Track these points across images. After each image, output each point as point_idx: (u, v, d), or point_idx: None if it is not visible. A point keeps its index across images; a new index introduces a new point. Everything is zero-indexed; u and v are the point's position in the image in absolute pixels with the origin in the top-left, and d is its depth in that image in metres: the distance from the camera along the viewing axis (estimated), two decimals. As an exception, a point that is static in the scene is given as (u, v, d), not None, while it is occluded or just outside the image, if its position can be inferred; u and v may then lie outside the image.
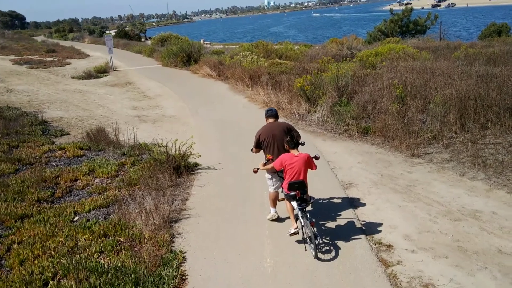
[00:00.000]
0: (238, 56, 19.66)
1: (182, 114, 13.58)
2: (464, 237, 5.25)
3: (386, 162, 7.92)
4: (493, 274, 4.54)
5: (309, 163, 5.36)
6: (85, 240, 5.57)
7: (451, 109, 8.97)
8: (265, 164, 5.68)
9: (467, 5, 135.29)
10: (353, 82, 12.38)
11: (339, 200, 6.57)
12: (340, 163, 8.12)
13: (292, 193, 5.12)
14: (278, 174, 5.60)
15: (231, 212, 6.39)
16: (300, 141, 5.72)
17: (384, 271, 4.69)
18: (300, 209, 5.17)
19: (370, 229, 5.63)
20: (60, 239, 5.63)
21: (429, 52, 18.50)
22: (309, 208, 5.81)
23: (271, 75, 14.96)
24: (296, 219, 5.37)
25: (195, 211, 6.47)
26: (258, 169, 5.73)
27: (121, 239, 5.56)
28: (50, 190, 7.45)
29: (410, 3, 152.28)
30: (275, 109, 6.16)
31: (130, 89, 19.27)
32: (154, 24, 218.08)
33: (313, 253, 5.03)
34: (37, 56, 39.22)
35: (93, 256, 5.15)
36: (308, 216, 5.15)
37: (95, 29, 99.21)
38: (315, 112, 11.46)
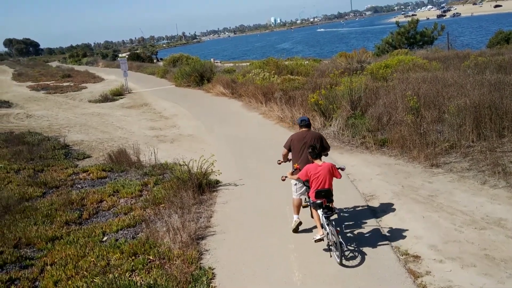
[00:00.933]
0: (250, 74, 19.97)
1: (199, 133, 13.82)
2: (490, 245, 5.28)
3: (406, 173, 7.99)
4: (522, 281, 4.57)
5: (333, 172, 5.52)
6: (116, 260, 5.73)
7: (467, 118, 9.02)
8: (292, 173, 5.93)
9: (472, 14, 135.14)
10: (366, 95, 12.50)
11: (362, 211, 6.65)
12: (359, 176, 8.21)
13: (319, 201, 5.33)
14: (304, 183, 5.73)
15: (255, 227, 6.51)
16: (325, 153, 6.04)
17: (414, 281, 4.75)
18: (325, 217, 5.35)
19: (396, 239, 5.69)
20: (92, 259, 5.80)
21: (438, 62, 18.59)
22: (334, 216, 5.94)
23: (284, 91, 15.18)
24: (322, 227, 5.53)
25: (220, 228, 6.61)
26: (286, 177, 5.97)
27: (151, 257, 5.71)
28: (78, 212, 7.67)
29: (415, 15, 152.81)
30: (308, 119, 6.36)
31: (146, 110, 19.66)
32: (164, 45, 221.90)
33: (338, 260, 5.17)
34: (53, 81, 40.22)
35: (125, 275, 5.30)
36: (334, 223, 5.33)
37: (107, 53, 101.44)
38: (330, 125, 11.59)
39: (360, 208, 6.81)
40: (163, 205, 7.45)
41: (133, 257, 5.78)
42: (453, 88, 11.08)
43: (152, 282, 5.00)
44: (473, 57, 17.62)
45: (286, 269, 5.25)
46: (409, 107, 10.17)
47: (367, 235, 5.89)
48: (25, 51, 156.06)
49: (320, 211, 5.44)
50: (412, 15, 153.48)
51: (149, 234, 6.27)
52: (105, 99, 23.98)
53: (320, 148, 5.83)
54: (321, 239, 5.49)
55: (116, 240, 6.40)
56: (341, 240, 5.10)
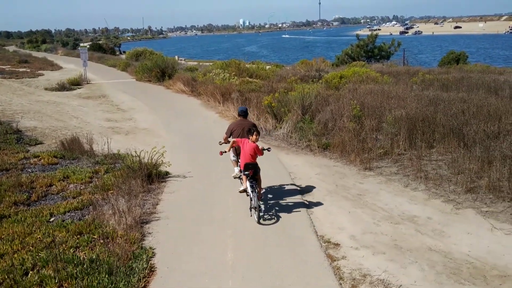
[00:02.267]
0: (211, 74, 20.45)
1: (155, 127, 14.12)
2: (401, 238, 6.05)
3: (341, 174, 8.74)
4: (422, 267, 5.32)
5: (257, 150, 6.96)
6: (62, 237, 6.04)
7: (402, 129, 9.94)
8: (230, 148, 7.49)
9: (433, 33, 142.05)
10: (317, 101, 13.30)
11: (296, 205, 7.28)
12: (300, 174, 8.88)
13: (246, 172, 6.82)
14: (239, 156, 7.37)
15: (198, 215, 7.00)
16: (266, 148, 7.46)
17: (330, 264, 5.41)
18: (250, 186, 6.76)
19: (322, 230, 6.36)
20: (38, 236, 6.07)
21: (390, 76, 19.82)
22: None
23: (241, 92, 15.76)
24: (245, 190, 7.04)
25: (164, 214, 7.05)
26: (225, 151, 7.47)
27: (95, 237, 6.06)
28: (26, 194, 7.84)
29: (380, 29, 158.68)
30: (246, 109, 8.29)
31: (104, 102, 19.65)
32: (129, 38, 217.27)
33: (256, 220, 6.62)
34: (9, 66, 38.87)
35: (70, 250, 5.63)
36: (256, 190, 6.74)
37: (68, 41, 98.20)
38: (281, 128, 12.26)
39: (295, 202, 7.45)
40: (111, 191, 7.78)
41: (78, 236, 6.11)
42: (394, 100, 12.06)
43: (94, 257, 5.37)
44: (421, 74, 18.97)
45: (221, 251, 5.78)
46: (353, 115, 11.00)
47: (297, 226, 6.52)
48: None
49: (247, 181, 6.85)
50: (377, 29, 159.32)
51: (95, 216, 6.61)
52: (62, 87, 23.63)
53: (258, 132, 7.19)
54: (244, 190, 7.11)
55: (63, 221, 6.69)
56: (260, 204, 6.72)
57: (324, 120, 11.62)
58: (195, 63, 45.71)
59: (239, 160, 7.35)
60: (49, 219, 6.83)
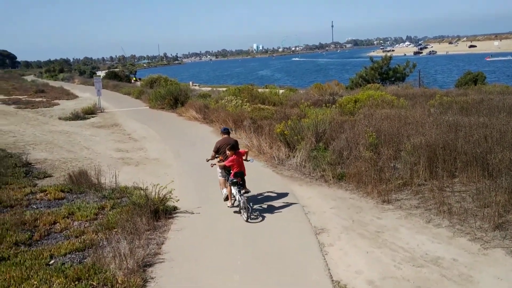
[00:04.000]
0: (223, 101, 20.28)
1: (165, 157, 13.86)
2: (425, 284, 5.50)
3: (358, 208, 8.24)
4: (450, 319, 4.77)
5: (243, 158, 8.35)
6: (59, 284, 5.67)
7: (421, 157, 9.42)
8: (219, 162, 8.59)
9: (447, 53, 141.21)
10: (332, 128, 12.90)
11: (310, 244, 6.80)
12: (314, 208, 8.41)
13: (235, 179, 8.06)
14: (225, 170, 8.51)
15: (205, 257, 6.56)
16: (248, 159, 8.63)
17: (347, 316, 4.89)
18: (238, 191, 8.03)
19: (338, 274, 5.85)
20: (35, 283, 5.72)
21: (406, 99, 19.33)
22: (243, 191, 8.27)
23: (253, 119, 15.47)
24: (235, 199, 8.38)
25: (169, 255, 6.63)
26: (214, 164, 8.69)
27: (94, 283, 5.67)
28: (29, 233, 7.55)
29: (393, 50, 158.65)
30: (228, 128, 9.56)
31: (116, 130, 19.59)
32: (145, 65, 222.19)
33: (245, 219, 7.82)
34: (26, 96, 39.57)
35: (66, 301, 5.25)
36: (243, 194, 7.96)
37: (85, 70, 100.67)
38: (294, 157, 11.84)
39: (309, 241, 6.96)
40: (116, 230, 7.42)
41: (76, 282, 5.73)
42: (412, 126, 11.56)
43: (91, 309, 4.98)
44: (439, 97, 18.41)
45: (228, 300, 5.32)
46: (369, 143, 10.54)
47: (312, 269, 6.03)
48: (1, 63, 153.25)
49: (235, 187, 8.14)
50: (391, 50, 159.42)
51: (95, 260, 6.23)
52: (75, 117, 23.76)
53: (238, 146, 8.51)
54: (232, 205, 8.46)
55: (63, 263, 6.34)
56: (249, 205, 7.83)
57: (338, 149, 11.18)
58: (209, 88, 45.96)
59: (226, 172, 8.57)
60: (49, 261, 6.49)
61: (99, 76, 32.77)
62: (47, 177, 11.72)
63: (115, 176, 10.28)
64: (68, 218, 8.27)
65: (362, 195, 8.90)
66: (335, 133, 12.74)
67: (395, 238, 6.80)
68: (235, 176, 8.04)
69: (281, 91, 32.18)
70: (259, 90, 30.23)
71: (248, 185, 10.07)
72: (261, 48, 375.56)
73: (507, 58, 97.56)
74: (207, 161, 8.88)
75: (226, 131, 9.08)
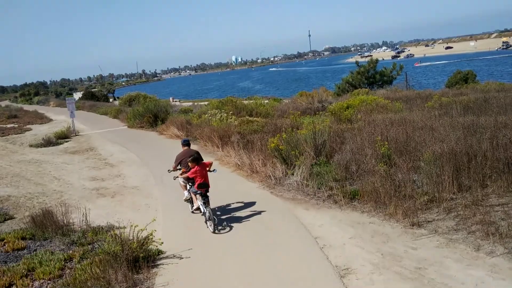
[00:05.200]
0: (206, 115, 18.72)
1: (146, 184, 12.21)
2: None
3: (384, 236, 6.76)
4: None
5: (206, 169, 8.42)
6: None
7: (445, 167, 8.04)
8: (181, 174, 8.75)
9: (424, 55, 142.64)
10: (331, 138, 11.49)
11: (337, 295, 5.29)
12: (329, 240, 6.90)
13: (199, 191, 8.07)
14: (189, 181, 8.66)
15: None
16: (212, 170, 8.65)
17: None
18: (203, 202, 7.99)
19: None
20: None
21: (401, 102, 18.15)
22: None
23: (242, 134, 13.96)
24: (198, 207, 8.50)
25: (155, 325, 5.03)
26: (177, 177, 8.88)
27: None
28: (-29, 303, 5.85)
29: (371, 55, 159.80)
30: (188, 140, 9.85)
31: (91, 156, 17.81)
32: (123, 83, 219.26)
33: (212, 230, 7.76)
34: (-4, 123, 37.33)
35: None
36: (208, 204, 7.92)
37: (62, 91, 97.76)
38: (293, 174, 10.35)
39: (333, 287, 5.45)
40: (84, 291, 5.78)
41: None
42: (424, 131, 10.23)
43: None
44: (437, 97, 17.24)
45: None
46: (380, 153, 9.14)
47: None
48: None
49: (199, 198, 8.15)
50: (368, 55, 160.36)
51: None
52: (47, 143, 21.83)
53: (200, 157, 8.52)
54: (198, 208, 8.55)
55: None
56: (214, 216, 7.85)
57: (344, 162, 9.73)
58: (190, 103, 44.42)
59: (189, 184, 8.69)
60: None
61: (72, 97, 30.87)
62: (8, 219, 9.96)
63: (85, 214, 8.59)
64: (27, 277, 6.58)
65: (383, 218, 7.43)
66: (336, 144, 11.34)
67: (445, 277, 5.32)
68: (199, 187, 8.05)
69: (265, 101, 30.80)
70: (244, 101, 28.82)
71: (244, 212, 8.62)
72: (240, 60, 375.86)
73: (433, 63, 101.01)
74: (169, 172, 9.13)
75: (186, 143, 9.39)
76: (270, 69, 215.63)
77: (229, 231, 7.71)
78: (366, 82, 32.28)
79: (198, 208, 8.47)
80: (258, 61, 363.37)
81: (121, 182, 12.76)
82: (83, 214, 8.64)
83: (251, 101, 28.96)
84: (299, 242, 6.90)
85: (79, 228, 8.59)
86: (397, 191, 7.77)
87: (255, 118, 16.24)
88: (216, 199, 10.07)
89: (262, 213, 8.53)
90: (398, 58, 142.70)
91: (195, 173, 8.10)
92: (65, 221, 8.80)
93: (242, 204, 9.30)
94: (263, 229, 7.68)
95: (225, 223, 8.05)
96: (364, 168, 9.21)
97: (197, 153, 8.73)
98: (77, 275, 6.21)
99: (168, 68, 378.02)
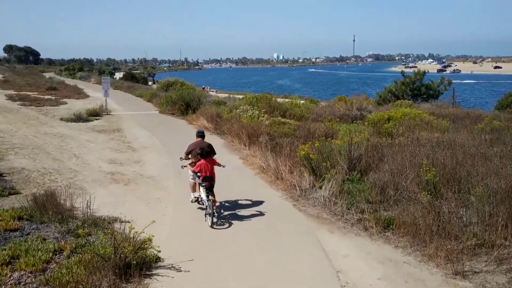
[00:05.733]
0: (237, 110, 17.88)
1: (163, 174, 11.49)
2: None
3: (420, 283, 5.65)
4: None
5: (213, 163, 8.29)
6: None
7: (500, 206, 6.82)
8: (190, 164, 8.59)
9: (471, 72, 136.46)
10: (368, 153, 10.38)
11: None
12: (353, 277, 5.86)
13: (204, 184, 7.93)
14: (195, 174, 8.27)
15: None
16: (221, 164, 8.55)
17: None
18: (206, 195, 7.81)
19: None
20: None
21: (447, 120, 16.68)
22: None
23: (271, 135, 13.01)
24: (197, 199, 8.73)
25: None
26: (185, 166, 8.81)
27: None
28: None
29: (416, 67, 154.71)
30: (202, 131, 9.48)
31: (116, 137, 17.35)
32: (165, 69, 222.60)
33: (210, 224, 7.62)
34: (36, 93, 37.90)
35: None
36: (211, 200, 7.67)
37: (105, 70, 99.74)
38: (321, 188, 9.32)
39: None
40: (62, 298, 5.03)
41: None
42: (476, 159, 8.96)
43: None
44: (488, 120, 15.68)
45: None
46: (424, 180, 7.98)
47: None
48: (24, 59, 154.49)
49: (203, 191, 7.98)
50: (413, 66, 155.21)
51: None
52: (78, 118, 21.65)
53: (207, 151, 8.37)
54: (196, 199, 8.69)
55: None
56: (213, 211, 7.67)
57: (380, 183, 8.62)
58: (226, 95, 43.80)
59: (197, 175, 8.19)
60: None
61: (108, 76, 30.93)
62: (13, 194, 9.44)
63: (89, 202, 7.91)
64: (7, 266, 5.91)
65: (421, 259, 6.31)
66: (373, 160, 10.22)
67: None
68: (204, 180, 8.02)
69: (301, 101, 29.68)
70: (278, 99, 27.81)
71: (260, 222, 7.73)
72: (281, 57, 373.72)
73: (479, 82, 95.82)
74: (181, 159, 9.03)
75: (200, 134, 9.21)
76: (309, 69, 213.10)
77: (228, 227, 7.69)
78: (410, 94, 30.56)
79: (197, 200, 8.63)
80: (299, 60, 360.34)
81: (139, 169, 12.11)
82: (87, 202, 7.96)
83: (286, 100, 27.97)
84: (317, 275, 5.90)
85: (82, 215, 7.92)
86: (441, 227, 6.62)
87: (287, 120, 15.24)
88: (233, 199, 9.24)
89: (280, 229, 7.58)
90: (444, 73, 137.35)
91: (199, 166, 8.06)
92: (68, 206, 8.16)
93: (260, 213, 8.39)
94: (277, 250, 6.72)
95: (234, 228, 7.68)
96: (404, 194, 8.08)
97: (209, 146, 8.71)
98: (59, 275, 5.47)
99: (210, 59, 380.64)
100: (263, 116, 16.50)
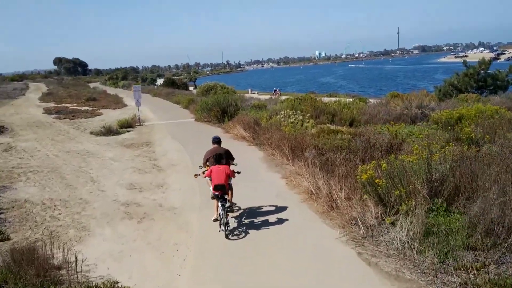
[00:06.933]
0: (278, 116, 15.47)
1: (187, 204, 9.31)
2: None
3: None
4: None
5: (228, 172, 7.78)
6: None
7: None
8: (203, 173, 8.20)
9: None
10: (453, 171, 7.65)
11: None
12: None
13: (216, 193, 7.55)
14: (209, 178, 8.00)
15: None
16: (237, 171, 8.22)
17: None
18: (221, 205, 7.37)
19: None
20: None
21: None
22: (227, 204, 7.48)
23: (319, 149, 10.49)
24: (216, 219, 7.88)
25: None
26: (198, 175, 8.36)
27: None
28: None
29: (466, 56, 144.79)
30: (218, 137, 8.88)
31: (144, 152, 15.49)
32: (208, 72, 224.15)
33: (224, 235, 7.31)
34: (75, 104, 37.54)
35: None
36: (226, 210, 7.32)
37: (150, 77, 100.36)
38: (394, 225, 6.75)
39: None
40: None
41: None
42: None
43: None
44: None
45: None
46: None
47: None
48: (72, 71, 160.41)
49: (218, 201, 7.51)
50: (463, 56, 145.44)
51: None
52: (107, 131, 20.13)
53: (223, 157, 8.14)
54: (216, 219, 7.79)
55: None
56: (227, 220, 7.37)
57: (483, 220, 5.93)
58: (268, 96, 41.54)
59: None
60: None
61: (138, 84, 29.51)
62: (2, 240, 7.62)
63: (76, 261, 5.82)
64: None
65: None
66: (460, 180, 7.48)
67: None
68: (215, 188, 7.55)
69: (348, 99, 26.81)
70: (324, 98, 25.11)
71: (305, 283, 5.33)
72: (323, 55, 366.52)
73: None
74: (200, 168, 8.58)
75: (216, 140, 8.74)
76: (349, 65, 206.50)
77: (243, 237, 7.33)
78: (474, 86, 26.80)
79: (217, 220, 7.83)
80: (342, 56, 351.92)
81: (160, 197, 10.01)
82: (75, 262, 5.88)
83: (332, 99, 25.25)
84: None
85: (68, 278, 5.86)
86: None
87: (338, 128, 12.62)
88: (271, 239, 6.88)
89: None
90: (498, 61, 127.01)
91: (211, 171, 7.77)
92: (57, 262, 6.15)
93: (313, 268, 5.96)
94: None
95: (239, 230, 7.54)
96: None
97: (226, 152, 8.40)
98: None
99: (251, 60, 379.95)
100: (308, 122, 14.00)
